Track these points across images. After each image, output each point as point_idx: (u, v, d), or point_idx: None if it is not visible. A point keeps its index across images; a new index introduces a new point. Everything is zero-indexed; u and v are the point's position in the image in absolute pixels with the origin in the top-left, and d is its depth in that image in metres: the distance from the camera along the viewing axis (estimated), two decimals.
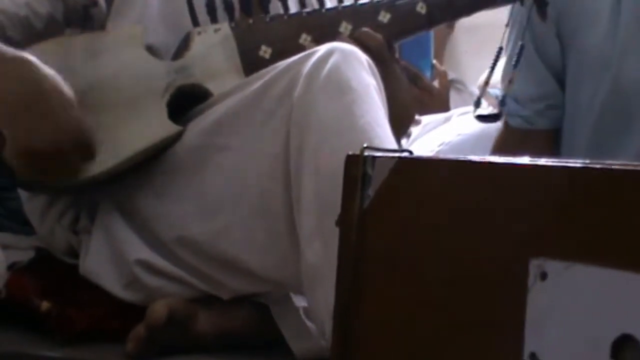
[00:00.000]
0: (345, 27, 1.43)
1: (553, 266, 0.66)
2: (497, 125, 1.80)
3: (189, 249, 1.34)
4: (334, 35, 1.40)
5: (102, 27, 1.45)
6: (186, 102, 1.40)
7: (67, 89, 1.26)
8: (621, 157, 1.53)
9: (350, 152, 1.14)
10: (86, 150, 1.29)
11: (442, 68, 2.39)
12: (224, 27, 1.43)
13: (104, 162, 1.34)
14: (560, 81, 1.66)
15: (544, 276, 0.67)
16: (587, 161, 0.67)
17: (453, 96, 2.43)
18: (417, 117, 1.97)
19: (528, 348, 0.67)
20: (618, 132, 1.59)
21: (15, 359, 1.33)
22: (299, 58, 1.30)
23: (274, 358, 1.35)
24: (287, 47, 1.39)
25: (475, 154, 1.01)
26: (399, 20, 1.44)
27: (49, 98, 1.24)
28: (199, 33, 1.43)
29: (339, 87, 1.25)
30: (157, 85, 1.38)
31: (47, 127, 1.23)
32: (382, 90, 1.31)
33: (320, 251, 1.21)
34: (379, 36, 1.41)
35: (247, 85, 1.33)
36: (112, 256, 1.38)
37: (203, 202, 1.33)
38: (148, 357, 1.30)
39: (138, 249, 1.37)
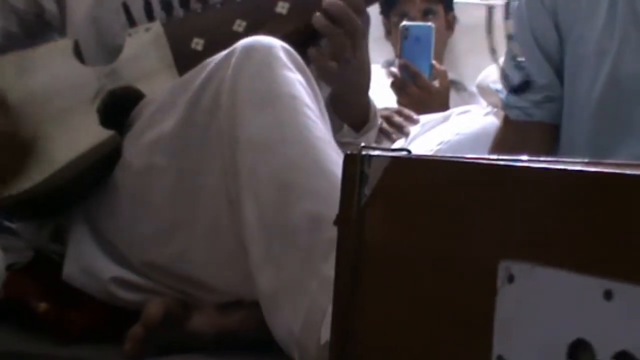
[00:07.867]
0: (282, 7, 1.37)
1: (519, 268, 0.67)
2: (497, 124, 1.80)
3: (155, 270, 1.33)
4: (270, 17, 1.35)
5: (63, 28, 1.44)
6: (124, 106, 1.37)
7: None
8: (620, 154, 1.52)
9: (288, 167, 1.13)
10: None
11: (443, 68, 2.39)
12: (155, 25, 1.41)
13: (35, 176, 1.32)
14: (559, 73, 1.66)
15: (511, 279, 0.67)
16: (551, 162, 0.67)
17: (452, 96, 2.43)
18: (415, 116, 1.97)
19: (496, 351, 0.68)
20: (616, 126, 1.58)
21: (13, 358, 1.33)
22: (218, 62, 1.26)
23: (271, 358, 1.34)
24: (220, 36, 1.35)
25: (474, 153, 1.01)
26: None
27: None
28: (130, 35, 1.40)
29: (262, 97, 1.22)
30: (87, 92, 1.36)
31: None
32: (311, 79, 1.27)
33: (273, 277, 1.18)
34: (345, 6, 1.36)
35: (174, 97, 1.30)
36: (87, 273, 1.37)
37: (156, 226, 1.31)
38: (146, 357, 1.30)
39: (110, 268, 1.36)
